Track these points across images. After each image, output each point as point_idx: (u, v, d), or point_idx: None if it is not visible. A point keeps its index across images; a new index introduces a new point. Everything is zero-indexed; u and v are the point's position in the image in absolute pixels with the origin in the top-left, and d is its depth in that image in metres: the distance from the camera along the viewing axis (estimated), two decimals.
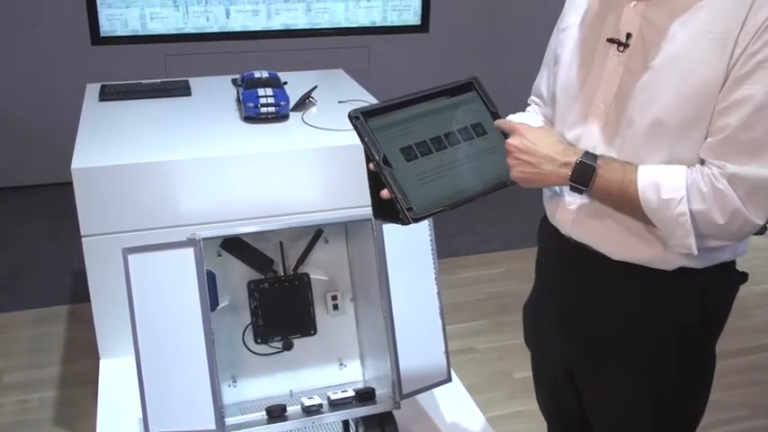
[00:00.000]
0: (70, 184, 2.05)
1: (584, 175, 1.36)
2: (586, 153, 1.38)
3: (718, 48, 1.25)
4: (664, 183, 1.30)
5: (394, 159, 1.36)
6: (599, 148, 1.42)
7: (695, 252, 1.33)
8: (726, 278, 1.49)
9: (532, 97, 1.74)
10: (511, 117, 1.56)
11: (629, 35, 1.38)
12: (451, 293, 3.48)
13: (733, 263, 1.49)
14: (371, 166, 1.37)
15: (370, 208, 1.47)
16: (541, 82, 1.69)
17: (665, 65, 1.31)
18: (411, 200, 1.34)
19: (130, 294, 1.71)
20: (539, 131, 1.42)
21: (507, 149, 1.42)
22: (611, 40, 1.41)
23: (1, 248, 3.98)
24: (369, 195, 1.44)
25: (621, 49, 1.39)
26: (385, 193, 1.35)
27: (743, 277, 1.52)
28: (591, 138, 1.44)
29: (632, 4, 1.38)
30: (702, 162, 1.31)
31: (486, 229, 4.10)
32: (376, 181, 1.38)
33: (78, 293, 3.48)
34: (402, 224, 1.37)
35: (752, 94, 1.23)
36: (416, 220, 1.35)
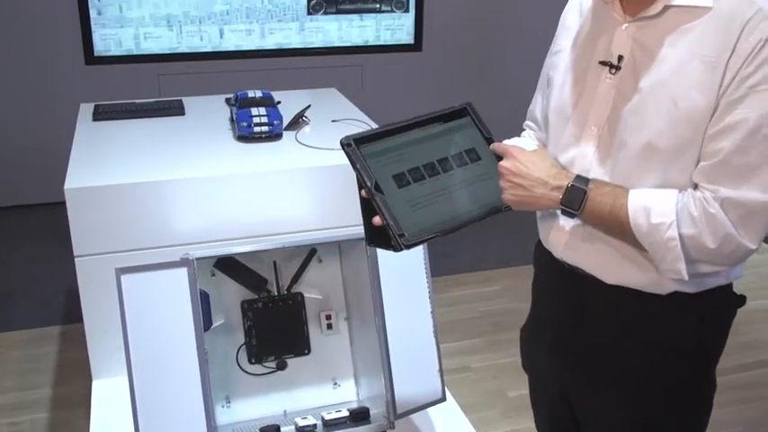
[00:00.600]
0: (63, 203, 2.05)
1: (575, 198, 1.36)
2: (578, 177, 1.38)
3: (709, 71, 1.25)
4: (654, 207, 1.30)
5: (386, 186, 1.36)
6: (592, 171, 1.42)
7: (686, 277, 1.32)
8: (723, 303, 1.49)
9: (527, 122, 1.73)
10: (506, 142, 1.56)
11: (620, 57, 1.38)
12: (446, 311, 3.47)
13: (729, 286, 1.48)
14: (363, 193, 1.37)
15: (363, 230, 1.46)
16: (536, 106, 1.68)
17: (657, 88, 1.32)
18: (403, 226, 1.34)
19: (123, 315, 1.71)
20: (532, 155, 1.42)
21: (500, 172, 1.42)
22: (603, 63, 1.41)
23: None
24: (362, 216, 1.43)
25: (613, 71, 1.39)
26: (377, 219, 1.35)
27: (740, 300, 1.52)
28: (584, 160, 1.44)
29: (624, 27, 1.38)
30: (695, 186, 1.31)
31: (481, 247, 4.10)
32: (368, 208, 1.38)
33: (71, 314, 3.47)
34: (394, 251, 1.36)
35: (745, 118, 1.23)
36: (408, 247, 1.35)
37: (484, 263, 4.02)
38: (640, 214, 1.31)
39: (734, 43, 1.23)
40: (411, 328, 1.88)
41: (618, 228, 1.35)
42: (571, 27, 1.53)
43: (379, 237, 1.38)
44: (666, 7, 1.31)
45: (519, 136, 1.71)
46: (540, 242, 1.65)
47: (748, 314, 3.57)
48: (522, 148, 1.44)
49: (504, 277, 3.86)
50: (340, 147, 1.37)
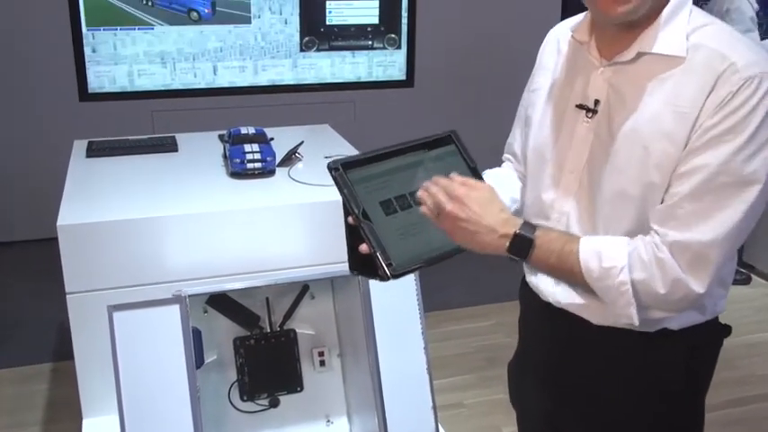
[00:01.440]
0: (55, 239, 2.04)
1: (521, 247, 1.33)
2: (525, 224, 1.35)
3: (682, 122, 1.26)
4: (605, 251, 1.30)
5: (373, 213, 1.34)
6: (572, 213, 1.43)
7: (636, 323, 1.31)
8: (710, 335, 1.49)
9: (506, 155, 1.74)
10: (487, 172, 1.56)
11: (597, 101, 1.38)
12: (439, 347, 3.46)
13: (716, 319, 1.48)
14: (350, 219, 1.35)
15: (347, 256, 1.44)
16: (514, 140, 1.69)
17: (630, 135, 1.32)
18: (391, 255, 1.31)
19: (115, 352, 1.70)
20: (481, 197, 1.34)
21: (447, 216, 1.32)
22: (579, 106, 1.41)
23: None
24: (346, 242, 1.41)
25: (590, 115, 1.39)
26: (364, 247, 1.33)
27: (726, 330, 1.51)
28: (564, 203, 1.45)
29: (600, 71, 1.38)
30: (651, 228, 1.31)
31: (473, 282, 4.09)
32: (354, 234, 1.36)
33: (62, 351, 3.44)
34: (381, 280, 1.34)
35: (705, 164, 1.23)
36: (396, 277, 1.32)
37: (476, 298, 4.01)
38: (592, 258, 1.30)
39: (706, 96, 1.24)
40: (404, 365, 1.88)
41: (566, 273, 1.35)
42: (548, 65, 1.54)
43: (365, 265, 1.36)
44: (640, 54, 1.32)
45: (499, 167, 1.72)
46: (525, 279, 1.64)
47: (743, 349, 3.58)
48: (469, 187, 1.35)
49: (497, 312, 3.84)
50: (327, 171, 1.35)
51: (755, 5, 4.47)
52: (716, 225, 1.25)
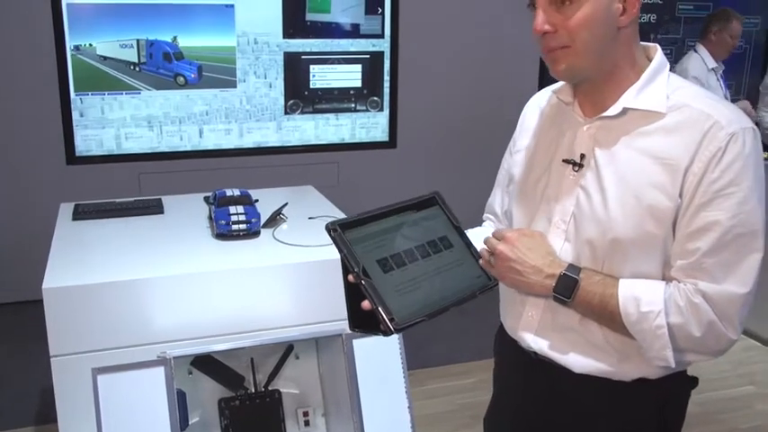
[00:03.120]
0: (40, 302, 2.03)
1: (567, 287, 1.39)
2: (570, 266, 1.40)
3: (669, 173, 1.32)
4: (643, 296, 1.34)
5: (372, 271, 1.36)
6: None
7: (672, 365, 1.35)
8: (680, 386, 1.52)
9: (487, 215, 1.78)
10: (470, 231, 1.59)
11: (582, 156, 1.44)
12: (423, 404, 3.43)
13: (684, 371, 1.51)
14: (351, 278, 1.36)
15: (343, 322, 1.45)
16: (495, 201, 1.74)
17: (618, 186, 1.37)
18: (392, 310, 1.33)
19: (99, 415, 1.68)
20: (529, 240, 1.44)
21: (498, 256, 1.43)
22: (566, 161, 1.46)
23: None
24: (342, 309, 1.42)
25: (576, 169, 1.44)
26: (366, 304, 1.34)
27: (693, 382, 1.55)
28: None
29: (585, 128, 1.44)
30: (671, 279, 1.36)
31: (455, 340, 4.08)
32: (353, 292, 1.37)
33: (45, 414, 3.38)
34: (384, 335, 1.35)
35: (716, 220, 1.30)
36: (398, 331, 1.34)
37: (458, 355, 3.99)
38: (630, 303, 1.34)
39: (694, 150, 1.31)
40: (389, 424, 1.86)
41: (607, 315, 1.38)
42: (530, 127, 1.60)
43: (366, 321, 1.37)
44: (625, 109, 1.38)
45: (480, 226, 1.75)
46: (500, 332, 1.67)
47: (725, 402, 3.57)
48: (520, 233, 1.46)
49: (480, 369, 3.81)
50: (325, 232, 1.38)
51: (710, 64, 4.59)
52: (743, 275, 1.32)
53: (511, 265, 1.41)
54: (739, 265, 1.31)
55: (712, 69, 4.58)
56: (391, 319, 1.32)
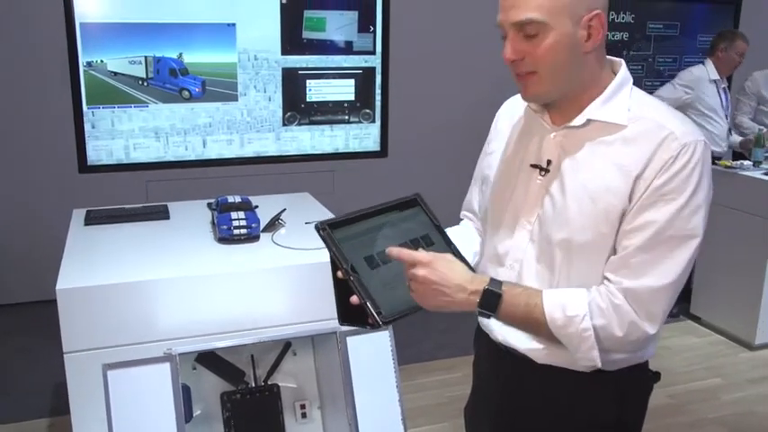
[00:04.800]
0: (53, 301, 2.02)
1: (490, 302, 1.36)
2: (492, 280, 1.37)
3: (623, 178, 1.33)
4: (567, 302, 1.34)
5: (359, 267, 1.36)
6: (526, 262, 1.46)
7: (599, 365, 1.35)
8: (640, 380, 1.52)
9: (464, 212, 1.77)
10: (449, 229, 1.58)
11: (549, 161, 1.44)
12: (413, 398, 3.42)
13: (646, 363, 1.51)
14: (340, 274, 1.36)
15: (336, 318, 1.44)
16: (472, 198, 1.73)
17: (579, 190, 1.38)
18: (379, 304, 1.33)
19: (109, 408, 1.67)
20: (445, 262, 1.37)
21: (419, 281, 1.34)
22: (533, 166, 1.47)
23: None
24: (334, 307, 1.42)
25: (543, 173, 1.45)
26: (354, 299, 1.33)
27: (656, 377, 1.54)
28: (518, 251, 1.48)
29: (552, 135, 1.45)
30: (606, 277, 1.36)
31: (442, 336, 4.08)
32: (342, 288, 1.37)
33: (58, 407, 3.36)
34: (371, 328, 1.36)
35: (653, 220, 1.30)
36: (386, 324, 1.34)
37: (446, 351, 3.98)
38: (556, 309, 1.34)
39: (648, 158, 1.31)
40: (381, 416, 1.86)
41: (532, 324, 1.37)
42: (503, 131, 1.60)
43: (354, 315, 1.37)
44: (589, 120, 1.39)
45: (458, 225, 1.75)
46: (478, 328, 1.66)
47: (694, 394, 3.58)
48: (434, 256, 1.37)
49: (465, 364, 3.76)
50: (315, 230, 1.37)
51: (713, 76, 4.67)
52: (664, 272, 1.31)
53: (434, 288, 1.34)
54: (663, 264, 1.31)
55: (714, 81, 4.64)
56: (379, 313, 1.32)
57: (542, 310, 1.35)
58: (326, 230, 1.37)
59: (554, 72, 1.35)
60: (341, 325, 1.44)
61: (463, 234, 1.68)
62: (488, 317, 1.39)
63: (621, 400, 1.48)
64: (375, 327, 1.34)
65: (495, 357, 1.58)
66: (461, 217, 1.78)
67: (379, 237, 1.43)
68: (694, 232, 1.31)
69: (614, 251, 1.35)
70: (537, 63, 1.34)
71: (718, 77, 4.66)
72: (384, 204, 1.48)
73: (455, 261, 1.39)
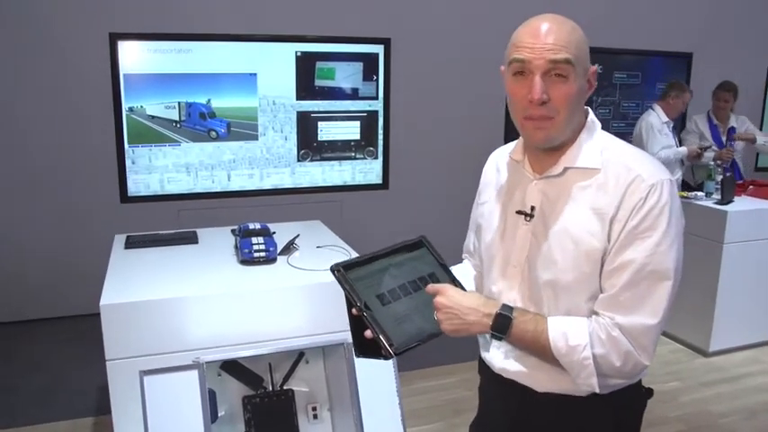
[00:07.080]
0: (96, 315, 2.02)
1: (502, 324, 1.33)
2: (504, 305, 1.35)
3: (600, 220, 1.29)
4: (570, 332, 1.29)
5: (372, 304, 1.33)
6: (517, 301, 1.41)
7: (597, 390, 1.31)
8: (634, 398, 1.46)
9: (465, 254, 1.73)
10: (452, 268, 1.54)
11: (533, 207, 1.40)
12: (412, 401, 3.40)
13: (639, 381, 1.45)
14: (354, 311, 1.32)
15: (345, 332, 1.42)
16: (469, 242, 1.69)
17: (561, 233, 1.33)
18: (391, 337, 1.30)
19: (145, 409, 1.67)
20: (455, 290, 1.37)
21: (436, 306, 1.35)
22: (519, 212, 1.42)
23: (37, 369, 3.84)
24: (344, 322, 1.39)
25: (528, 219, 1.40)
26: (368, 333, 1.30)
27: (649, 393, 1.49)
28: (510, 292, 1.43)
29: (534, 183, 1.40)
30: (596, 313, 1.31)
31: (439, 344, 4.05)
32: (357, 324, 1.33)
33: (103, 406, 3.34)
34: (384, 359, 1.32)
35: (632, 259, 1.26)
36: (397, 355, 1.30)
37: (442, 358, 3.96)
38: (560, 338, 1.30)
39: (619, 200, 1.28)
40: (383, 417, 1.85)
41: (539, 348, 1.34)
42: (490, 182, 1.55)
43: (368, 348, 1.34)
44: (566, 168, 1.35)
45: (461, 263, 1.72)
46: (481, 358, 1.60)
47: (655, 396, 3.54)
48: (450, 285, 1.39)
49: (461, 370, 3.79)
50: (330, 272, 1.34)
51: (663, 119, 4.73)
52: (652, 311, 1.27)
53: (449, 311, 1.33)
54: (650, 298, 1.26)
55: (665, 123, 4.71)
56: (390, 345, 1.29)
57: (547, 337, 1.30)
58: (341, 272, 1.34)
59: (569, 117, 1.30)
60: (357, 357, 1.40)
61: (465, 271, 1.65)
62: (500, 339, 1.36)
63: (618, 417, 1.42)
64: (387, 358, 1.30)
65: (497, 385, 1.51)
66: (462, 257, 1.74)
67: (388, 276, 1.39)
68: (673, 265, 1.26)
69: (599, 289, 1.31)
70: (558, 107, 1.28)
71: (668, 120, 4.74)
72: (392, 246, 1.45)
73: (471, 291, 1.38)
